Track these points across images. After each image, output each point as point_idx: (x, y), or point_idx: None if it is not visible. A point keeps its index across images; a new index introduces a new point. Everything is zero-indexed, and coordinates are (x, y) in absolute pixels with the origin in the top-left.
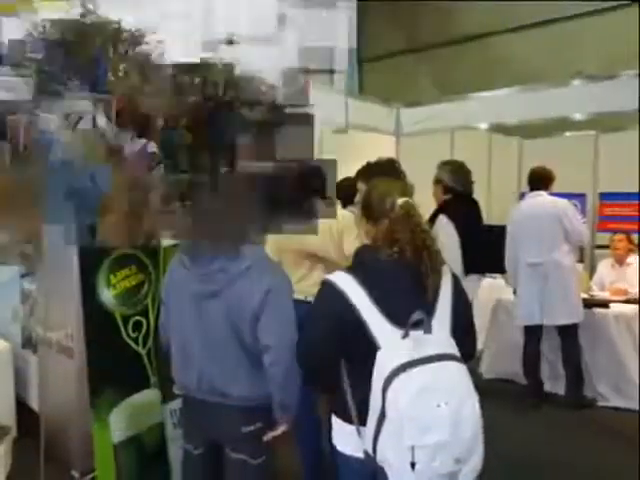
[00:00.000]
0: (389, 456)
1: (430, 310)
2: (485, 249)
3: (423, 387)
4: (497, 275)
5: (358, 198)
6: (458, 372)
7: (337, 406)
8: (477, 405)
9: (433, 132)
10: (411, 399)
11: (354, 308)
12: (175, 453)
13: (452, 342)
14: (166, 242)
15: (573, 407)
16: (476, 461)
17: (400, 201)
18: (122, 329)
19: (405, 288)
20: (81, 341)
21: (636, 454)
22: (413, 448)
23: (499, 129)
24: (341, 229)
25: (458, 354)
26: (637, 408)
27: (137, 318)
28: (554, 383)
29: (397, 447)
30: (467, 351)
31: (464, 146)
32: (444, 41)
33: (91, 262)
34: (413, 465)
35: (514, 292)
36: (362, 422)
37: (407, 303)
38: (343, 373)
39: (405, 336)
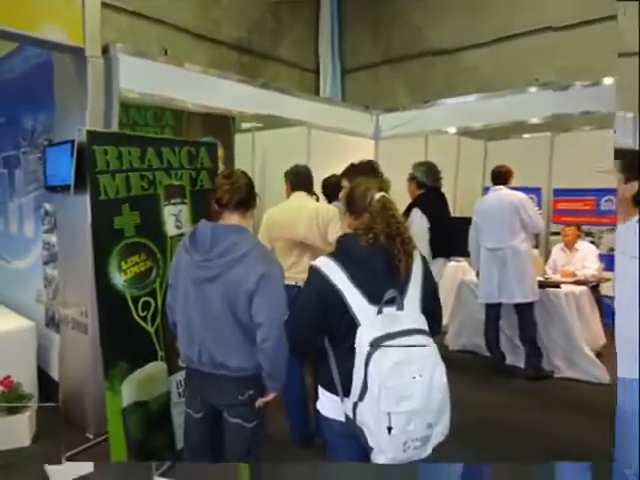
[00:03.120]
0: (368, 421)
1: (402, 289)
2: (451, 236)
3: (399, 361)
4: (461, 258)
5: (342, 194)
6: (427, 345)
7: (323, 379)
8: (444, 374)
9: (408, 136)
10: (389, 372)
11: (336, 289)
12: (178, 417)
13: (422, 318)
14: (173, 232)
15: (532, 379)
16: (444, 424)
17: (377, 195)
18: (132, 309)
19: (381, 270)
20: (95, 318)
21: (588, 419)
22: (390, 415)
23: (466, 132)
24: (327, 221)
25: (427, 329)
26: (587, 379)
27: (146, 299)
28: (515, 357)
29: (375, 413)
30: (434, 326)
31: (436, 148)
32: (417, 54)
33: (104, 249)
34: (390, 429)
35: (477, 274)
36: (346, 393)
37: (382, 283)
38: (329, 349)
39: (379, 312)
